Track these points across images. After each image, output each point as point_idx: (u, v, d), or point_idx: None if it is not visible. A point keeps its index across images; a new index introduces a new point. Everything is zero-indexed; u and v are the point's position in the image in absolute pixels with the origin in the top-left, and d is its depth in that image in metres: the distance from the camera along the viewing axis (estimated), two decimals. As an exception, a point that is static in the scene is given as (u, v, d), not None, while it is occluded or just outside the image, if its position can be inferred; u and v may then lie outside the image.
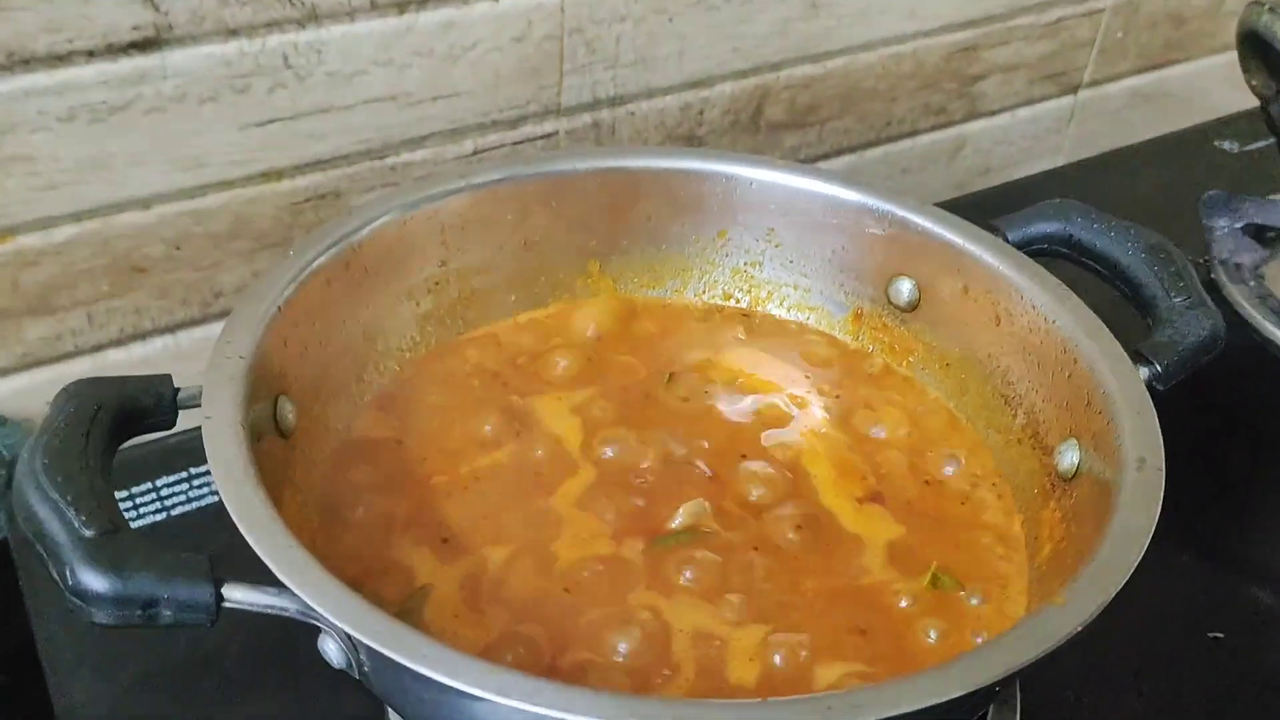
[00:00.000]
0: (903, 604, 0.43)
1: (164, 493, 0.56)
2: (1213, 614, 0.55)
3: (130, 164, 0.59)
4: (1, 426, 0.60)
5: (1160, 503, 0.39)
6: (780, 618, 0.42)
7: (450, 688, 0.32)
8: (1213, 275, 0.67)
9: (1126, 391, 0.43)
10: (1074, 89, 0.91)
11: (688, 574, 0.44)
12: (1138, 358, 0.45)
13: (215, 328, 0.66)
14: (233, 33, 0.58)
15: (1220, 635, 0.53)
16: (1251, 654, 0.53)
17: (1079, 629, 0.34)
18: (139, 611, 0.33)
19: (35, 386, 0.62)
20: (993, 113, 0.88)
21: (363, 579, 0.43)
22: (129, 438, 0.39)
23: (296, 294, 0.44)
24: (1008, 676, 0.33)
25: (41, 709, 0.48)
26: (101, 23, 0.55)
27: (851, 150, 0.83)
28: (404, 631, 0.32)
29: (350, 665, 0.36)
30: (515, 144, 0.69)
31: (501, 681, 0.31)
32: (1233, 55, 0.71)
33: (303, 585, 0.33)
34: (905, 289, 0.53)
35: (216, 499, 0.55)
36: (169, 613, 0.33)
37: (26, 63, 0.54)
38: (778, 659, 0.40)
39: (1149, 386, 0.44)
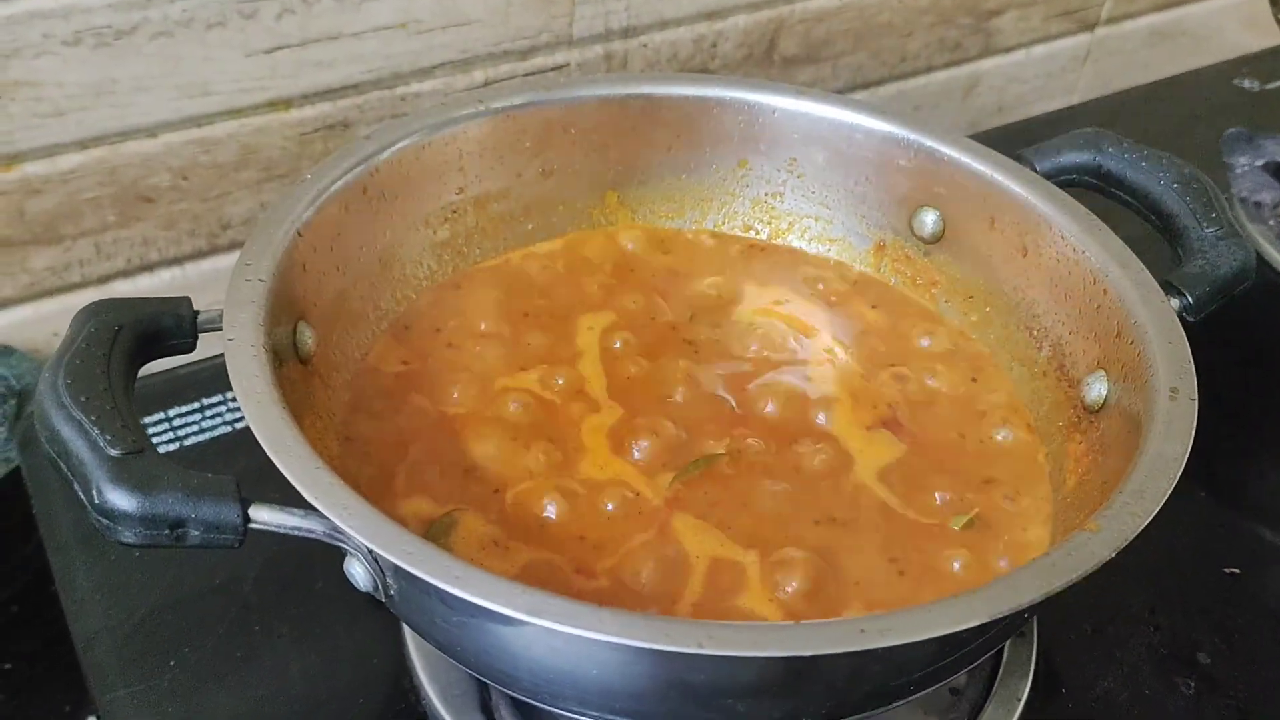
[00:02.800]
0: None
1: (176, 423, 0.55)
2: (1229, 550, 0.55)
3: (136, 90, 0.58)
4: (9, 356, 0.59)
5: (1193, 431, 0.38)
6: (802, 546, 0.42)
7: (478, 609, 0.31)
8: (1233, 214, 0.66)
9: (1158, 321, 0.42)
10: (1090, 26, 0.90)
11: (709, 503, 0.43)
12: (1168, 288, 0.44)
13: (223, 260, 0.66)
14: (241, -46, 0.57)
15: (1236, 571, 0.54)
16: (1267, 589, 0.53)
17: (1114, 554, 0.34)
18: (166, 531, 0.32)
19: (42, 317, 0.62)
20: (1008, 50, 0.87)
21: (383, 509, 0.42)
22: (149, 359, 0.39)
23: (314, 218, 0.44)
24: (1041, 602, 0.33)
25: (58, 638, 0.48)
26: (108, -57, 0.54)
27: (865, 86, 0.82)
28: (434, 551, 0.32)
29: (376, 588, 0.35)
30: (526, 75, 0.68)
31: (533, 601, 0.31)
32: (1253, -7, 0.70)
33: (330, 505, 0.33)
34: (929, 221, 0.52)
35: (229, 429, 0.55)
36: (196, 533, 0.33)
37: (31, -17, 0.53)
38: (799, 586, 0.40)
39: (1181, 318, 0.43)
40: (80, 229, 0.61)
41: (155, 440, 0.55)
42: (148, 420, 0.55)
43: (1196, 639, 0.51)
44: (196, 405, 0.56)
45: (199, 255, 0.65)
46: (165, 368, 0.57)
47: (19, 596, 0.57)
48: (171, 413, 0.55)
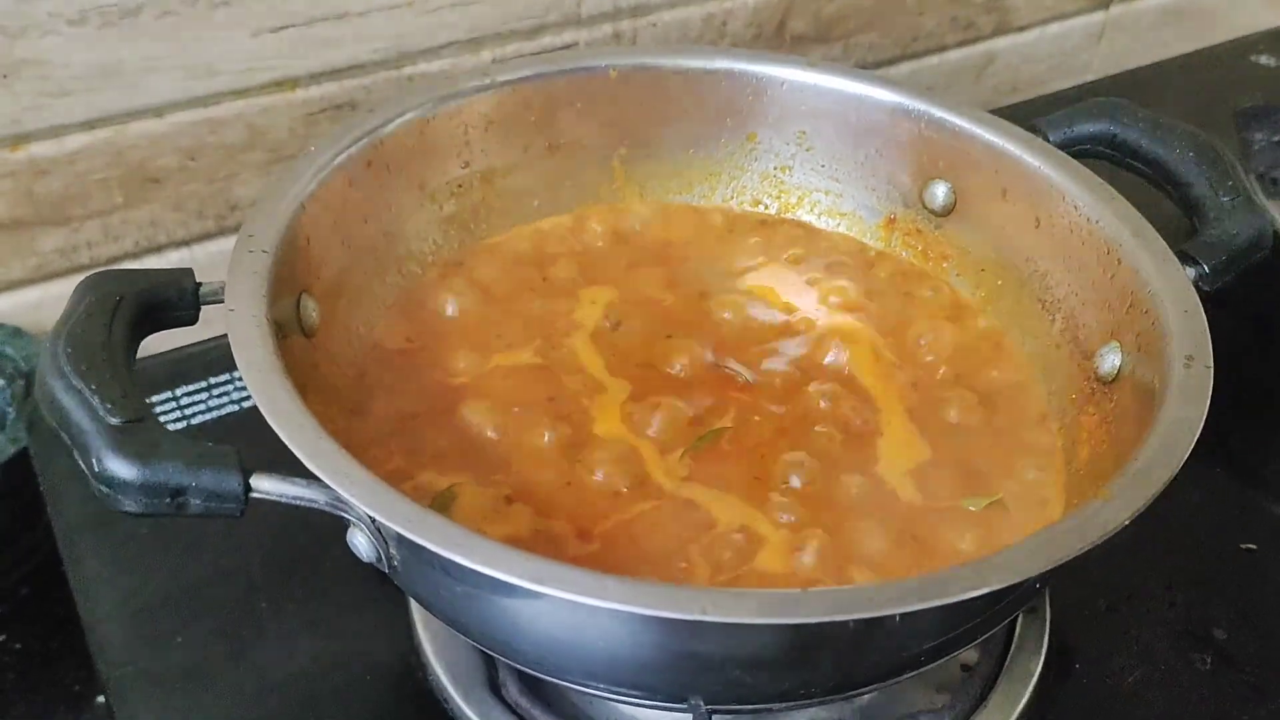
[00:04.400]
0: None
1: (184, 402, 0.55)
2: (1245, 526, 0.54)
3: (142, 70, 0.58)
4: (17, 338, 0.59)
5: (1209, 399, 0.38)
6: (816, 517, 0.41)
7: (481, 578, 0.31)
8: (1249, 189, 0.66)
9: (1173, 290, 0.42)
10: (1105, 4, 0.89)
11: (719, 473, 0.43)
12: (1184, 257, 0.44)
13: (230, 241, 0.65)
14: (247, -68, 0.57)
15: (1253, 547, 0.53)
16: (1286, 565, 0.53)
17: (1127, 521, 0.33)
18: (167, 500, 0.32)
19: (50, 299, 0.62)
20: (1022, 28, 0.86)
21: (387, 482, 0.42)
22: (151, 331, 0.39)
23: (318, 191, 0.43)
24: (1051, 571, 0.32)
25: (68, 618, 0.48)
26: (113, -80, 0.53)
27: (877, 65, 0.81)
28: (436, 519, 0.32)
29: (380, 559, 0.35)
30: (534, 55, 0.68)
31: (536, 568, 0.30)
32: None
33: (332, 474, 0.32)
34: (940, 193, 0.51)
35: (236, 408, 0.55)
36: (197, 501, 0.33)
37: (37, -38, 0.53)
38: (810, 556, 0.40)
39: (1196, 287, 0.43)
40: (88, 210, 0.60)
41: (163, 420, 0.55)
42: (155, 399, 0.55)
43: (1212, 615, 0.50)
44: (203, 384, 0.56)
45: (207, 236, 0.65)
46: (172, 346, 0.57)
47: (30, 577, 0.57)
48: (179, 391, 0.55)
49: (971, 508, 0.43)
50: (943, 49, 0.83)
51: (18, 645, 0.55)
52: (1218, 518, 0.54)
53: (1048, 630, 0.48)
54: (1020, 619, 0.48)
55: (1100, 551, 0.34)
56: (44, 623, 0.56)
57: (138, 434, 0.32)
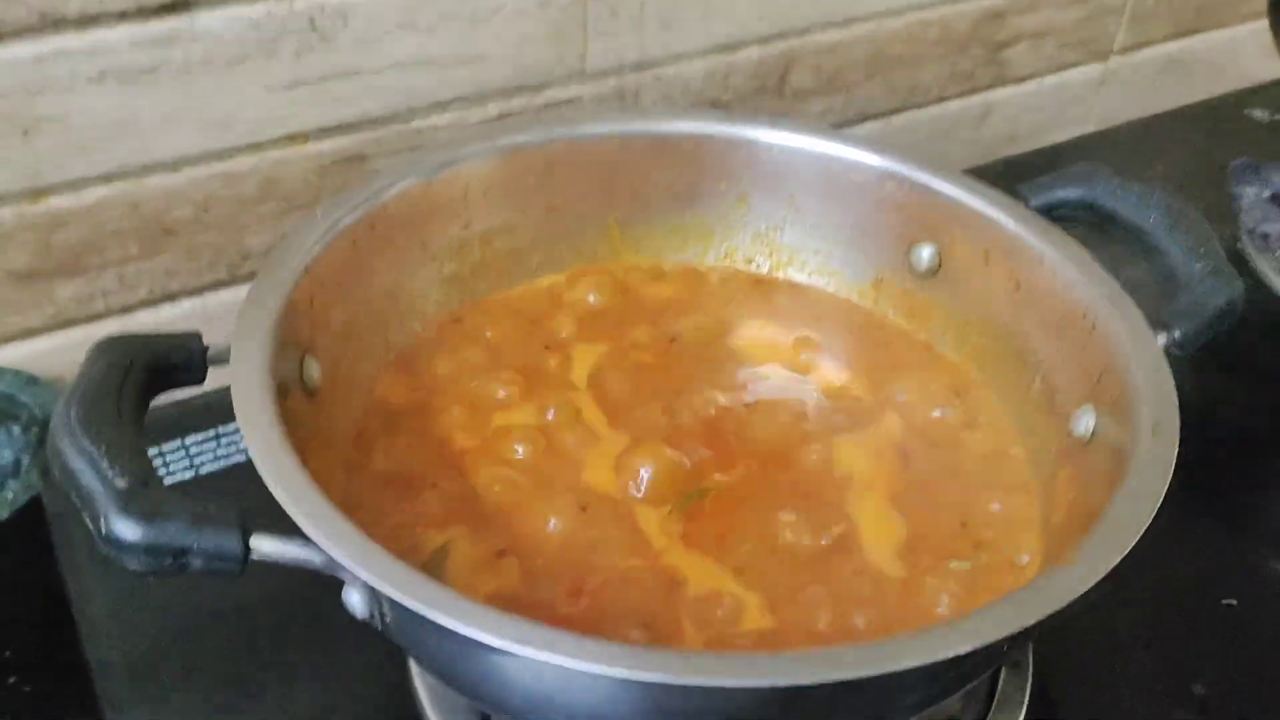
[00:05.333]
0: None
1: (193, 451, 0.57)
2: (1227, 581, 0.55)
3: (159, 126, 0.60)
4: (33, 385, 0.61)
5: (1172, 469, 0.39)
6: (794, 578, 0.43)
7: (470, 639, 0.32)
8: (1239, 245, 0.67)
9: (1144, 358, 0.43)
10: (1104, 55, 0.90)
11: (704, 532, 0.44)
12: (1157, 324, 0.45)
13: (243, 290, 0.66)
14: (260, -5, 0.59)
15: (1234, 603, 0.54)
16: (1266, 622, 0.53)
17: (1087, 590, 0.34)
18: (170, 560, 0.34)
19: (66, 346, 0.63)
20: (1021, 79, 0.87)
21: (385, 537, 0.43)
22: (160, 393, 0.40)
23: (322, 254, 0.45)
24: (1015, 635, 0.34)
25: (76, 665, 0.49)
26: (131, -16, 0.55)
27: (877, 116, 0.82)
28: (424, 582, 0.33)
29: (373, 616, 0.36)
30: (539, 109, 0.69)
31: (519, 631, 0.32)
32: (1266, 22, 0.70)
33: (326, 537, 0.34)
34: (926, 255, 0.53)
35: (244, 458, 0.56)
36: (199, 561, 0.34)
37: (57, 24, 0.55)
38: (791, 617, 0.41)
39: (1169, 353, 0.44)
40: (104, 260, 0.62)
41: (172, 468, 0.56)
42: (165, 448, 0.57)
43: (1193, 671, 0.51)
44: (213, 433, 0.57)
45: (220, 285, 0.66)
46: (183, 397, 0.58)
47: (41, 619, 0.58)
48: (189, 440, 0.57)
49: (955, 566, 0.44)
50: (942, 99, 0.85)
51: (27, 688, 0.57)
52: (1200, 571, 0.55)
53: (1030, 683, 0.49)
54: (1003, 672, 0.49)
55: (1080, 606, 0.35)
56: (54, 666, 0.57)
57: (143, 496, 0.34)
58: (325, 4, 0.60)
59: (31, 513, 0.55)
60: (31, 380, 0.61)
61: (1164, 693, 0.50)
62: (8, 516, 0.54)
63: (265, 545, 0.35)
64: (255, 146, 0.63)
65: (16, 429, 0.61)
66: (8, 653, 0.57)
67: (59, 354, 0.63)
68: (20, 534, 0.55)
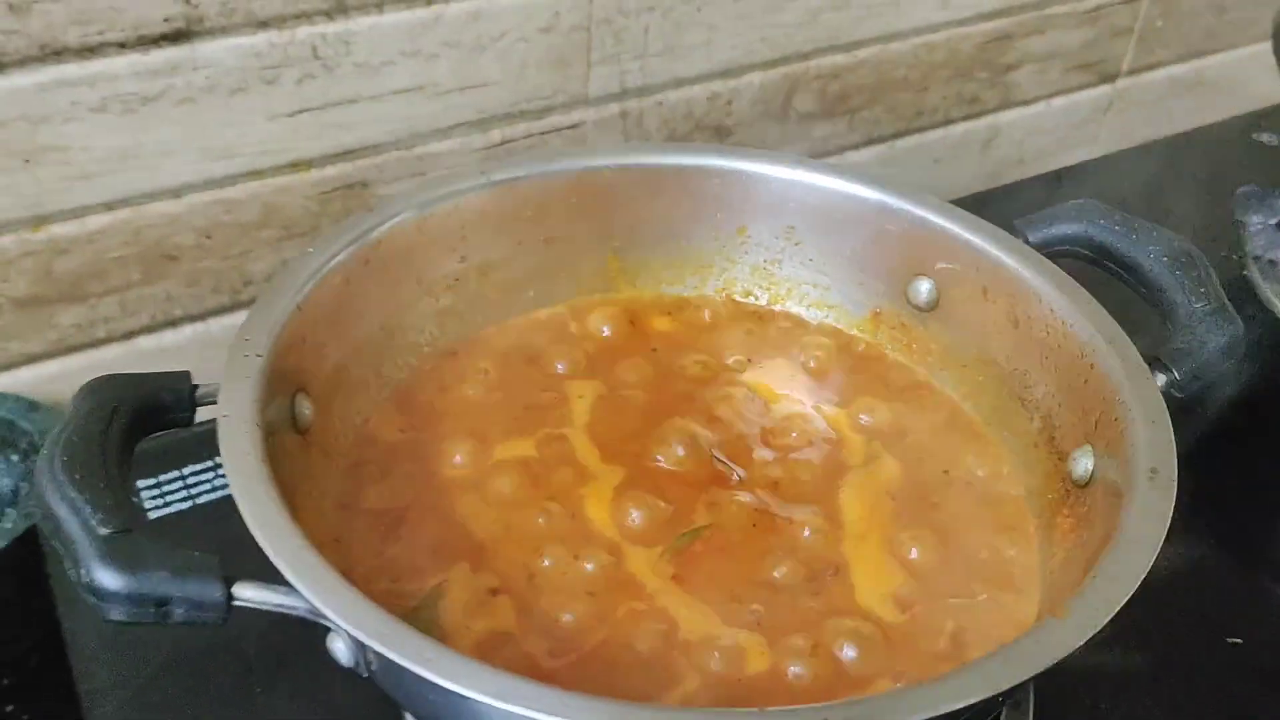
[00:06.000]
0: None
1: (190, 481, 0.57)
2: (1233, 619, 0.54)
3: (161, 154, 0.60)
4: (34, 411, 0.61)
5: (1170, 517, 0.38)
6: (788, 621, 0.42)
7: (454, 692, 0.32)
8: (1245, 272, 0.66)
9: (1142, 400, 0.42)
10: (1111, 78, 0.89)
11: (697, 574, 0.44)
12: (1156, 364, 0.44)
13: (244, 316, 0.67)
14: (262, 24, 0.59)
15: (1239, 641, 0.53)
16: (1271, 661, 0.53)
17: (1079, 646, 0.34)
18: (152, 609, 0.34)
19: (68, 372, 0.64)
20: (1027, 102, 0.87)
21: (378, 575, 0.43)
22: (147, 434, 0.40)
23: (314, 291, 0.45)
24: (1006, 691, 0.33)
25: (66, 695, 0.49)
26: (132, 15, 0.55)
27: (882, 140, 0.82)
28: (407, 634, 0.33)
29: (359, 664, 0.36)
30: (542, 134, 0.69)
31: (500, 686, 0.32)
32: (1274, 45, 0.70)
33: (309, 586, 0.34)
34: (924, 289, 0.52)
35: None
36: (181, 610, 0.34)
37: (59, 54, 0.55)
38: (798, 665, 0.41)
39: (1167, 394, 0.43)
40: (106, 287, 0.62)
41: (169, 498, 0.56)
42: (162, 478, 0.57)
43: (1198, 710, 0.50)
44: (210, 464, 0.57)
45: (221, 311, 0.66)
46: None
47: (39, 648, 0.58)
48: (186, 470, 0.57)
49: (953, 603, 0.44)
50: (948, 123, 0.84)
51: (25, 717, 0.57)
52: (1205, 609, 0.54)
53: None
54: (1004, 712, 0.49)
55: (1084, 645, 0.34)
56: (51, 695, 0.57)
57: (125, 544, 0.34)
58: (327, 32, 0.60)
59: (30, 541, 0.55)
60: (33, 406, 0.61)
61: (1166, 734, 0.49)
62: (6, 545, 0.54)
63: (248, 592, 0.35)
64: (257, 174, 0.63)
65: (15, 457, 0.61)
66: (5, 680, 0.57)
67: (61, 380, 0.64)
68: (18, 562, 0.55)
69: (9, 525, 0.55)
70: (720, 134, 0.75)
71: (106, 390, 0.39)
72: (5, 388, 0.62)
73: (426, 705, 0.36)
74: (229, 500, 0.55)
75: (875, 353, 0.54)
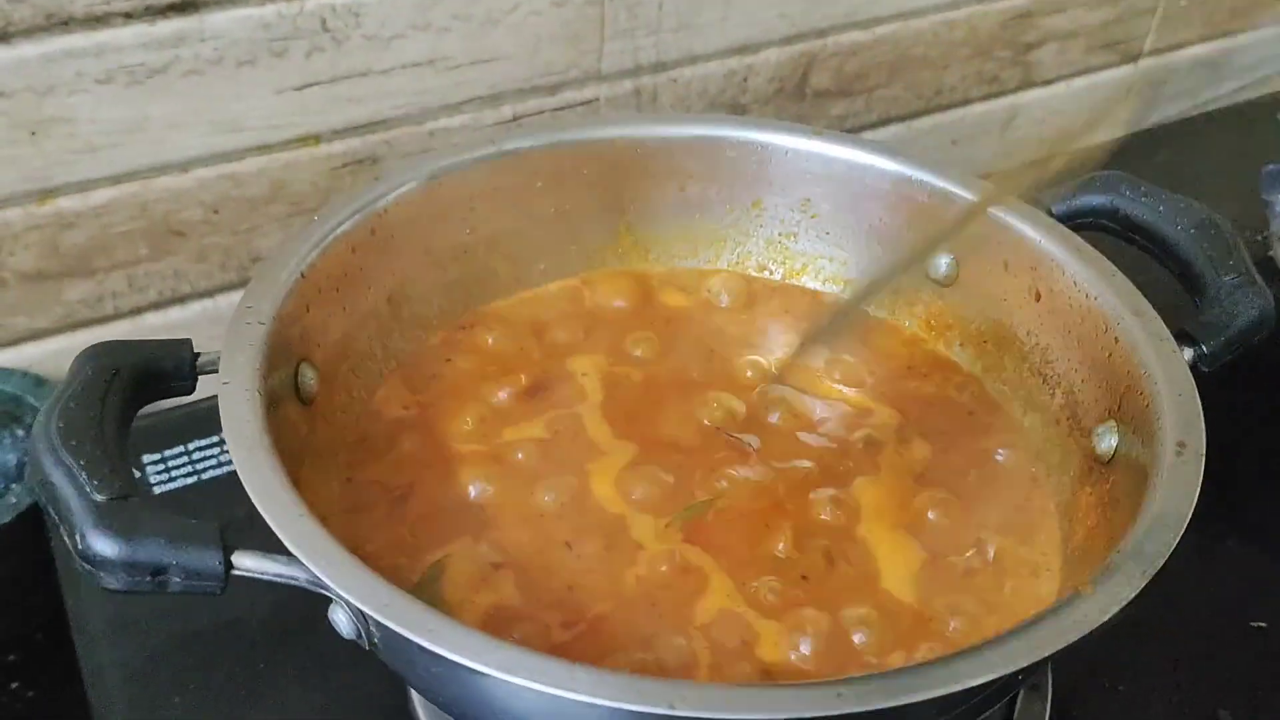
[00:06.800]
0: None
1: (195, 456, 0.56)
2: (1256, 603, 0.53)
3: (168, 127, 0.59)
4: (40, 387, 0.61)
5: (1198, 491, 0.37)
6: (809, 599, 0.41)
7: (456, 663, 0.31)
8: (1271, 252, 0.65)
9: (1168, 373, 0.41)
10: (1133, 58, 0.88)
11: (707, 546, 0.43)
12: (1183, 338, 0.43)
13: (252, 291, 0.67)
14: (270, -5, 0.58)
15: (1263, 625, 0.52)
16: (1296, 644, 0.52)
17: (1106, 620, 0.33)
18: (148, 578, 0.33)
19: (74, 348, 0.62)
20: (1048, 82, 0.85)
21: (383, 549, 0.42)
22: (148, 402, 0.39)
23: (319, 260, 0.44)
24: (1029, 667, 0.32)
25: (70, 672, 0.49)
26: (139, -16, 0.55)
27: (900, 119, 0.81)
28: (409, 604, 0.32)
29: (360, 636, 0.35)
30: (555, 110, 0.68)
31: (506, 658, 0.31)
32: (1300, 23, 0.69)
33: (310, 554, 0.33)
34: (943, 263, 0.51)
35: None
36: (178, 579, 0.33)
37: (65, 23, 0.55)
38: (802, 643, 0.40)
39: (1194, 368, 0.42)
40: (113, 262, 0.62)
41: (174, 473, 0.56)
42: (167, 453, 0.56)
43: (1218, 696, 0.49)
44: (215, 439, 0.57)
45: (230, 287, 0.66)
46: (187, 402, 0.58)
47: (45, 626, 0.58)
48: (190, 445, 0.56)
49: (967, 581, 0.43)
50: (967, 102, 0.83)
51: (30, 693, 0.56)
52: (1228, 593, 0.53)
53: (1049, 707, 0.47)
54: (1022, 695, 0.48)
55: (1099, 634, 0.33)
56: (56, 671, 0.57)
57: (121, 510, 0.33)
58: (337, 4, 0.59)
59: (34, 517, 0.54)
60: (39, 382, 0.61)
61: (1189, 717, 0.48)
62: (10, 520, 0.54)
63: (247, 561, 0.34)
64: (265, 148, 0.62)
65: (21, 431, 0.60)
66: (10, 656, 0.57)
67: (67, 356, 0.62)
68: (22, 538, 0.54)
69: (13, 500, 0.55)
70: (735, 111, 0.74)
71: (106, 356, 0.38)
72: (11, 363, 0.62)
73: (430, 678, 0.36)
74: (234, 476, 0.55)
75: (892, 327, 0.53)
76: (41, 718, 0.56)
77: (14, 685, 0.57)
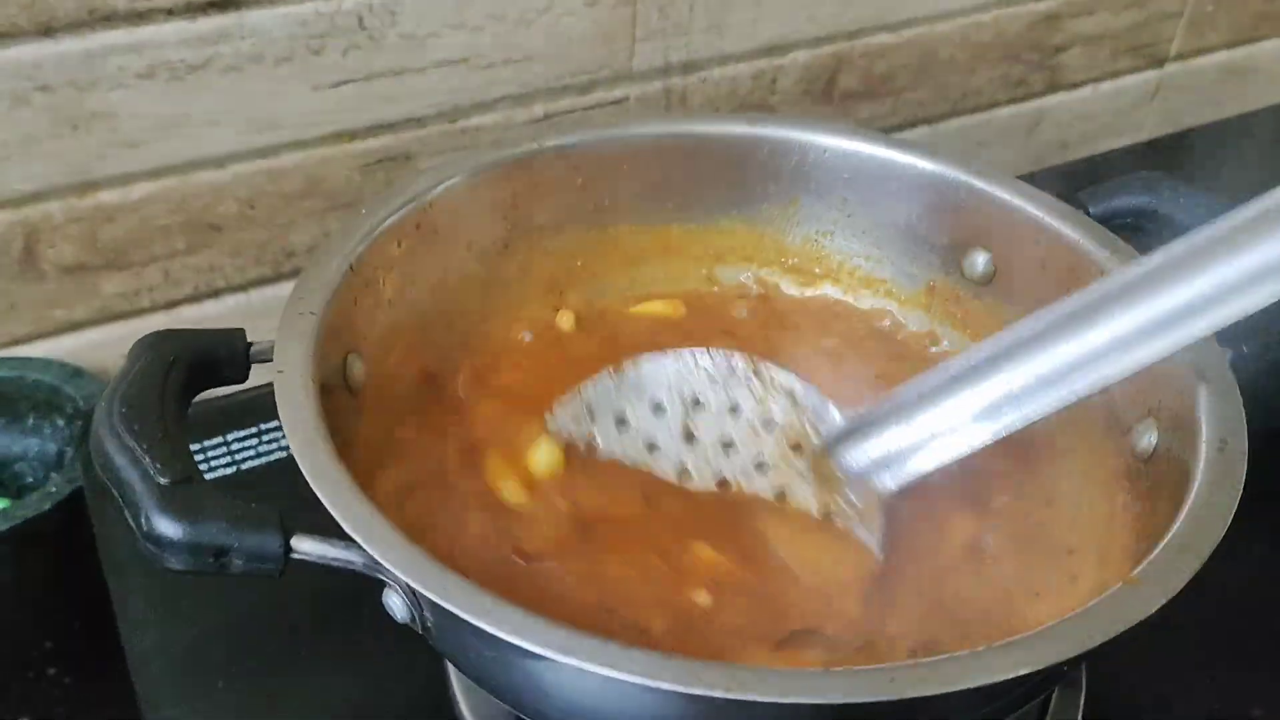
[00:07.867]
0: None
1: (234, 447, 0.57)
2: (1293, 601, 0.53)
3: (207, 123, 0.60)
4: (77, 378, 0.61)
5: (1241, 486, 0.37)
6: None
7: (512, 645, 0.32)
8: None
9: (1209, 371, 0.42)
10: (1160, 62, 0.88)
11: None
12: (1223, 336, 0.43)
13: (287, 286, 0.67)
14: (309, -7, 0.59)
15: (1298, 624, 0.52)
16: (1330, 644, 0.52)
17: (1153, 612, 0.33)
18: (210, 559, 0.33)
19: (111, 340, 0.64)
20: (1074, 85, 0.86)
21: (430, 536, 0.43)
22: (203, 389, 0.40)
23: (367, 253, 0.44)
24: (1079, 656, 0.33)
25: (117, 657, 0.49)
26: (181, -19, 0.55)
27: (926, 122, 0.81)
28: (467, 586, 0.32)
29: (414, 620, 0.36)
30: (586, 109, 0.69)
31: (564, 640, 0.31)
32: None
33: (368, 538, 0.33)
34: (980, 262, 0.51)
35: (284, 454, 0.56)
36: (239, 561, 0.34)
37: (108, 19, 0.55)
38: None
39: (1233, 367, 0.43)
40: (150, 255, 0.62)
41: (213, 464, 0.56)
42: (207, 444, 0.57)
43: (1252, 695, 0.49)
44: (254, 430, 0.57)
45: (264, 282, 0.66)
46: (224, 393, 0.58)
47: (83, 613, 0.58)
48: (230, 436, 0.57)
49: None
50: (993, 106, 0.83)
51: (67, 679, 0.57)
52: (1263, 594, 0.54)
53: (1083, 704, 0.48)
54: (1056, 692, 0.48)
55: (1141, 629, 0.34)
56: (95, 659, 0.57)
57: (185, 494, 0.34)
58: (373, 3, 0.60)
59: (73, 505, 0.55)
60: (76, 373, 0.62)
61: (1222, 717, 0.48)
62: (50, 509, 0.55)
63: (306, 545, 0.34)
64: (301, 144, 0.63)
65: (61, 421, 0.61)
66: (48, 644, 0.58)
67: (104, 348, 0.64)
68: (62, 526, 0.55)
69: (54, 489, 0.55)
70: (764, 112, 0.74)
71: (164, 344, 0.38)
72: (49, 354, 0.62)
73: (483, 662, 0.36)
74: (271, 466, 0.56)
75: (930, 326, 0.53)
76: (79, 704, 0.56)
77: (51, 671, 0.57)
